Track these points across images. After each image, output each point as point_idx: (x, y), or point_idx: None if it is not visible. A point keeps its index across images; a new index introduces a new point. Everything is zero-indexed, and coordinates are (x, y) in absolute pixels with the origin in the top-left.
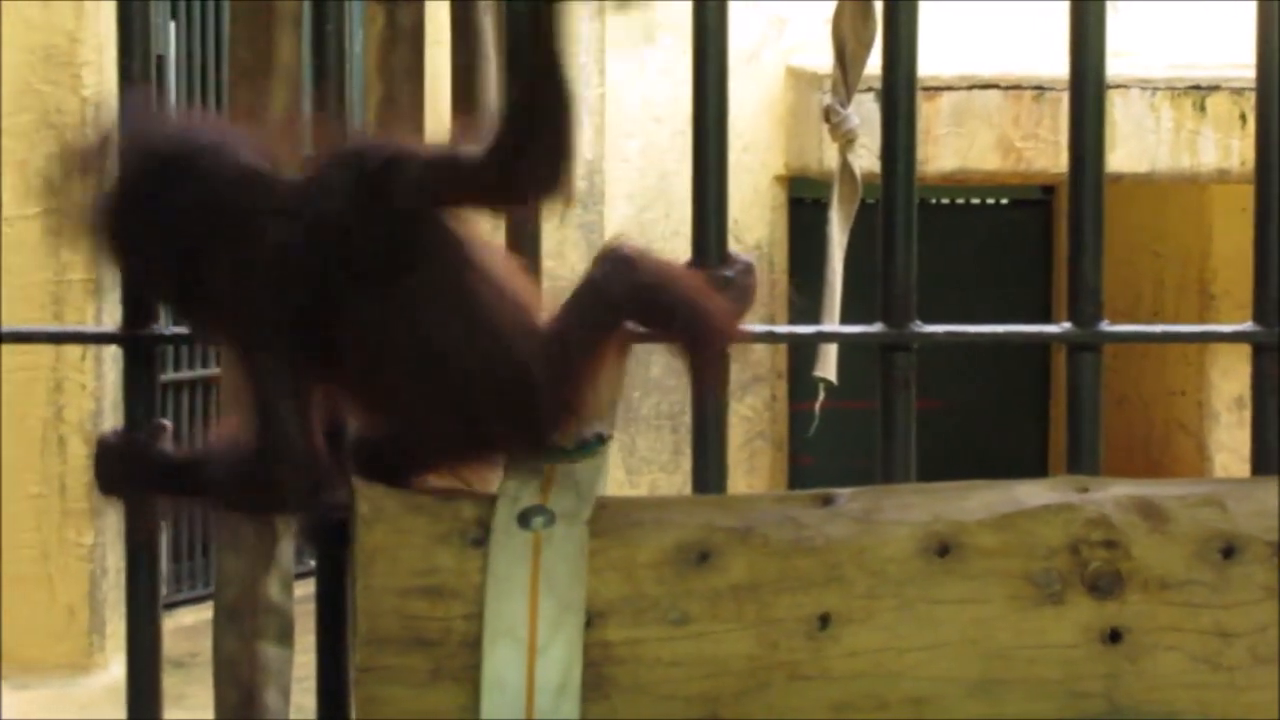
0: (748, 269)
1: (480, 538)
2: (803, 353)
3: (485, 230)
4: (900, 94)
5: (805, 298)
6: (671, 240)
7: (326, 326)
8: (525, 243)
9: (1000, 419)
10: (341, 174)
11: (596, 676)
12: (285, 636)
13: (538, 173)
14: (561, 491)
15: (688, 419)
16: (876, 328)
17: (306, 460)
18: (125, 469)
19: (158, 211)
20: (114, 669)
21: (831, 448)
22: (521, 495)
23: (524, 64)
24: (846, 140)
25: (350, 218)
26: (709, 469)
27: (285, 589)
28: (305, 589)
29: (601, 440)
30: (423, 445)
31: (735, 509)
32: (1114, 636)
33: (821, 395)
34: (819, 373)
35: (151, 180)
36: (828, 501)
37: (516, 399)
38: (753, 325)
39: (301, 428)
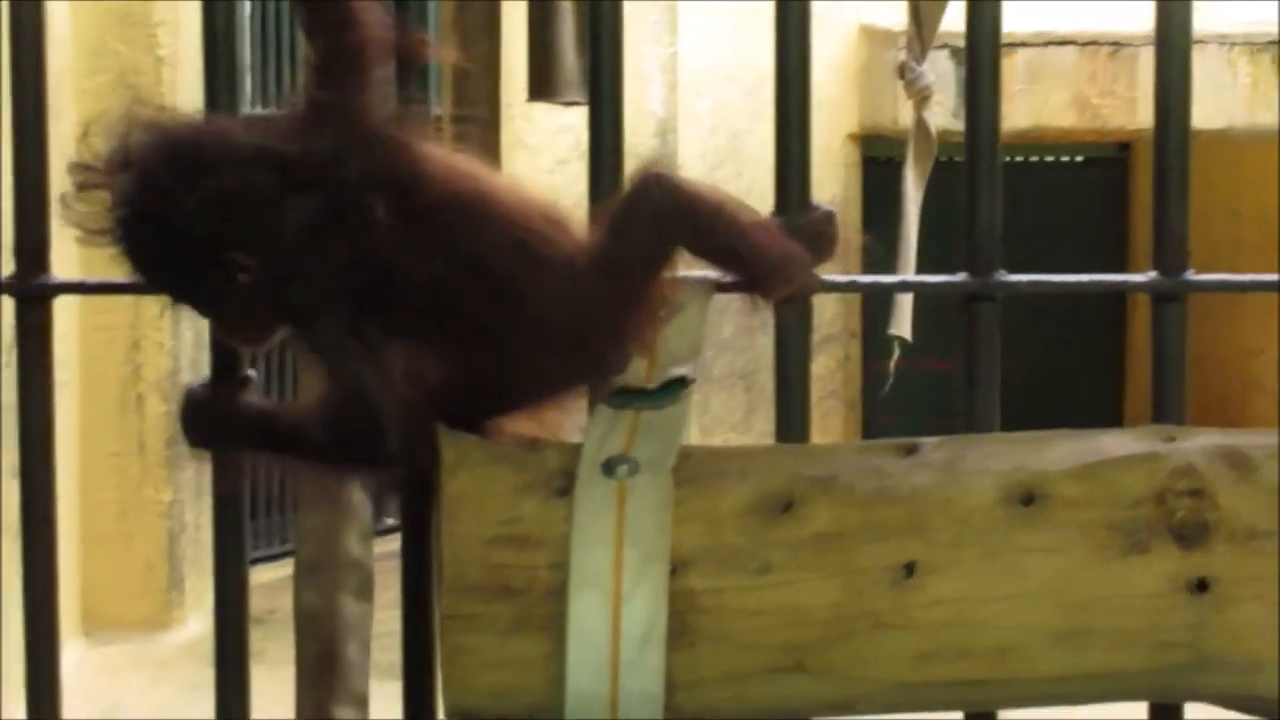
0: (827, 218)
1: (565, 487)
2: (876, 312)
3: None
4: (984, 32)
5: (879, 256)
6: (744, 199)
7: (376, 286)
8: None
9: (1072, 379)
10: (332, 128)
11: (680, 625)
12: (365, 591)
13: None
14: (645, 441)
15: (761, 378)
16: (960, 277)
17: (395, 413)
18: (211, 422)
19: (171, 216)
20: (192, 625)
21: (905, 407)
22: (605, 444)
23: None
24: (921, 97)
25: (354, 168)
26: (791, 420)
27: (364, 544)
28: (383, 547)
29: (685, 383)
30: (489, 388)
31: (818, 459)
32: (1200, 586)
33: (897, 353)
34: (894, 330)
35: (162, 185)
36: (911, 451)
37: (573, 327)
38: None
39: (384, 384)
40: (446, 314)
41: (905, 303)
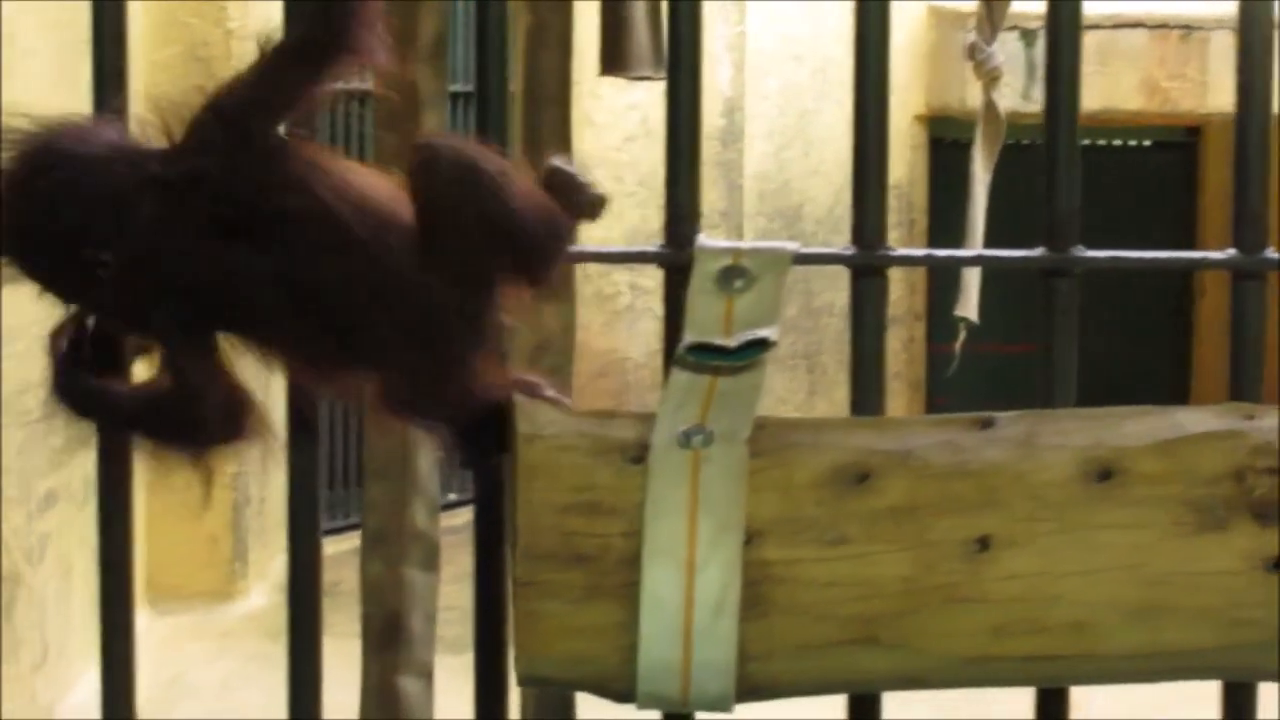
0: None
1: (639, 456)
2: (941, 294)
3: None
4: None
5: (946, 237)
6: (810, 180)
7: (225, 289)
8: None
9: (1138, 360)
10: (202, 128)
11: (754, 595)
12: (430, 562)
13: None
14: (720, 411)
15: (823, 359)
16: (1038, 252)
17: (214, 406)
18: (81, 391)
19: (32, 212)
20: (255, 597)
21: (968, 390)
22: (680, 414)
23: None
24: (991, 78)
25: (215, 166)
26: (865, 394)
27: (431, 515)
28: (446, 521)
29: (765, 344)
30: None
31: (893, 431)
32: (1277, 564)
33: (962, 336)
34: (960, 312)
35: (20, 185)
36: (987, 425)
37: (419, 331)
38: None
39: (208, 378)
40: (285, 321)
41: (972, 285)
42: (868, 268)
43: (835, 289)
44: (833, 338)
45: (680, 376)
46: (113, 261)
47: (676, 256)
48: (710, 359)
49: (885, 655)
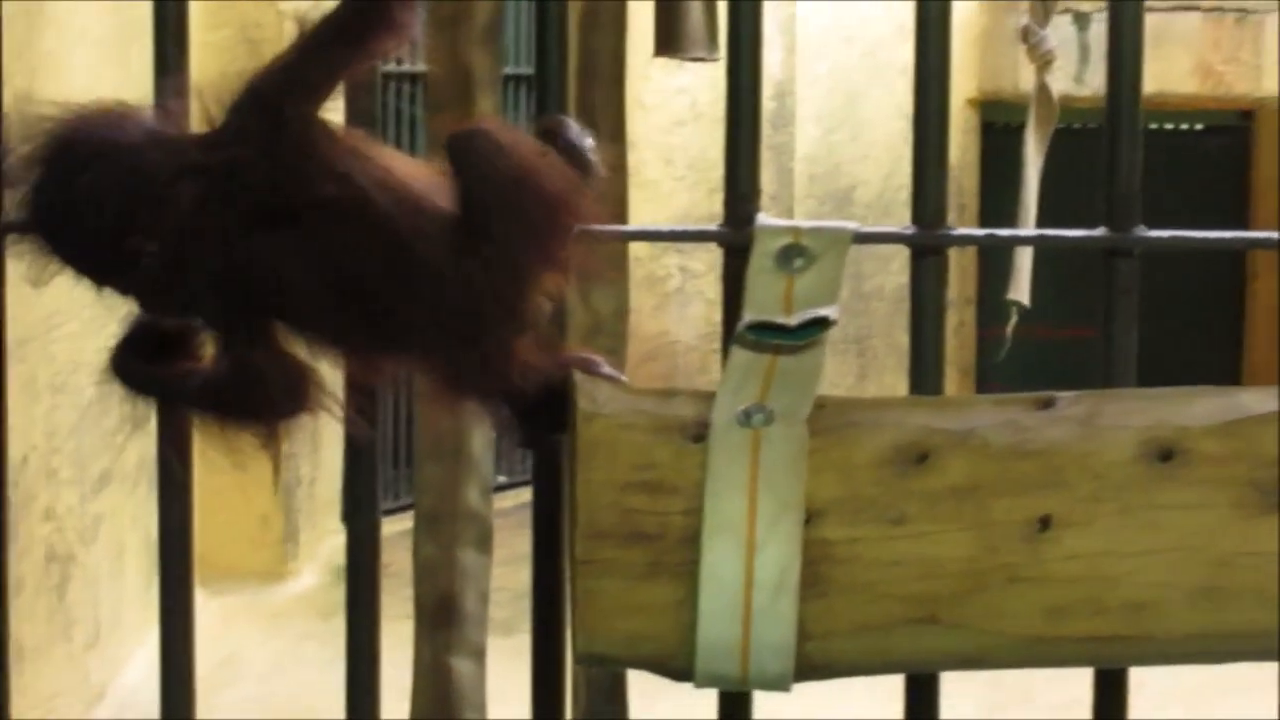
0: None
1: (699, 434)
2: (992, 277)
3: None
4: None
5: (997, 221)
6: (860, 163)
7: (266, 277)
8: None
9: (1191, 342)
10: (240, 113)
11: (814, 575)
12: (484, 543)
13: None
14: (780, 390)
15: (873, 343)
16: (1100, 232)
17: (279, 384)
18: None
19: (70, 202)
20: (306, 577)
21: (1018, 374)
22: (740, 393)
23: None
24: (1044, 62)
25: (252, 153)
26: (926, 373)
27: (484, 496)
28: (498, 503)
29: (825, 323)
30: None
31: (953, 411)
32: None
33: (1014, 319)
34: (1012, 295)
35: (57, 171)
36: (1048, 405)
37: (456, 318)
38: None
39: (267, 360)
40: (325, 309)
41: (1024, 267)
42: (928, 247)
43: (885, 272)
44: (882, 321)
45: (740, 355)
46: (154, 250)
47: (736, 236)
48: (770, 338)
49: (945, 635)
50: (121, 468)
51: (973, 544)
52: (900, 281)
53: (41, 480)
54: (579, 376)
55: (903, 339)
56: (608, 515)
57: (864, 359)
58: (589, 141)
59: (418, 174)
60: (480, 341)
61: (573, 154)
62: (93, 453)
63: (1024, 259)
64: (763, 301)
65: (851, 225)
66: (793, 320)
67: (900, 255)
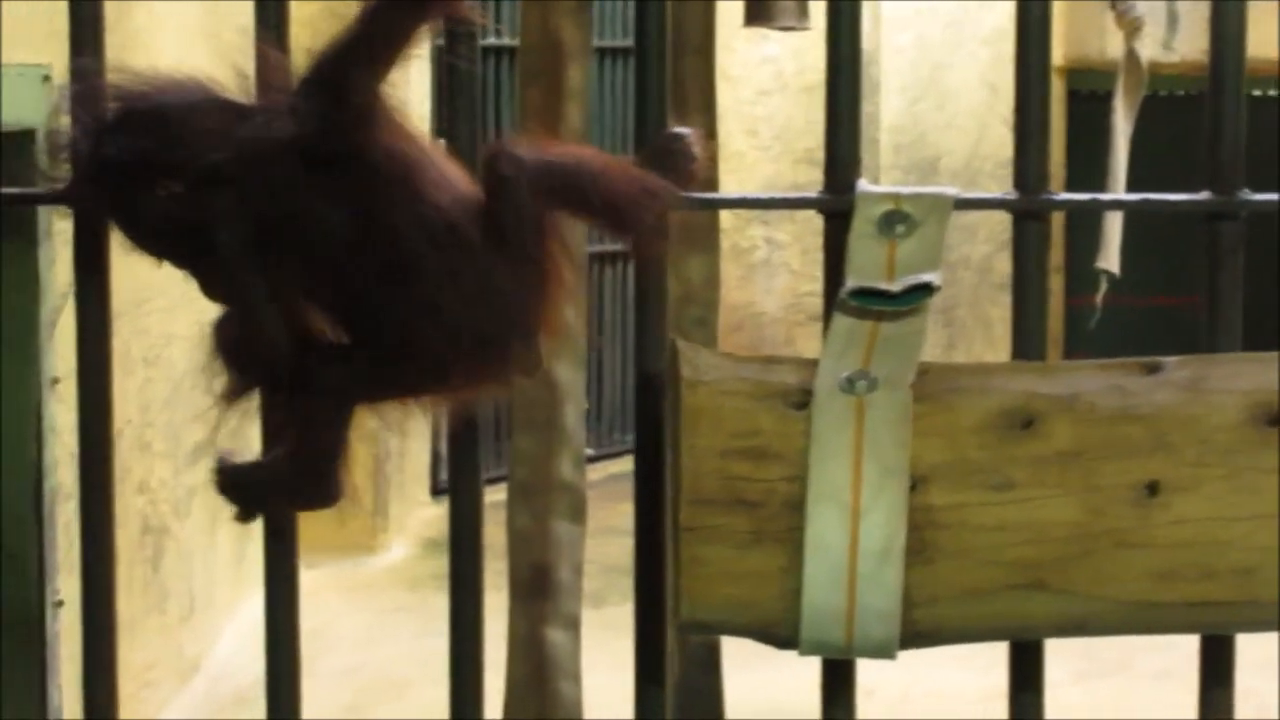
0: (676, 138)
1: (802, 401)
2: (1080, 246)
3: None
4: None
5: (1084, 190)
6: (945, 133)
7: (285, 232)
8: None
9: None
10: (306, 87)
11: (919, 541)
12: (577, 514)
13: None
14: (883, 356)
15: (960, 313)
16: (1203, 196)
17: (282, 335)
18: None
19: (122, 147)
20: (395, 550)
21: (1107, 344)
22: (843, 359)
23: None
24: (1132, 28)
25: (309, 123)
26: (1028, 339)
27: (577, 467)
28: (590, 475)
29: (928, 289)
30: (385, 368)
31: (1058, 376)
32: None
33: (1104, 288)
34: (1101, 264)
35: (114, 118)
36: (1153, 369)
37: (475, 316)
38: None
39: (273, 310)
40: (349, 280)
41: (1113, 236)
42: (1030, 212)
43: (971, 242)
44: (969, 292)
45: (843, 322)
46: (179, 189)
47: (837, 202)
48: (873, 304)
49: (1052, 600)
50: (215, 440)
51: (1079, 509)
52: (985, 252)
53: (136, 453)
54: (681, 345)
55: (989, 310)
56: (711, 482)
57: (951, 329)
58: (687, 141)
59: (453, 168)
60: (493, 331)
61: (669, 156)
62: (185, 426)
63: (1113, 228)
64: (865, 267)
65: (952, 191)
66: (895, 286)
67: (986, 225)
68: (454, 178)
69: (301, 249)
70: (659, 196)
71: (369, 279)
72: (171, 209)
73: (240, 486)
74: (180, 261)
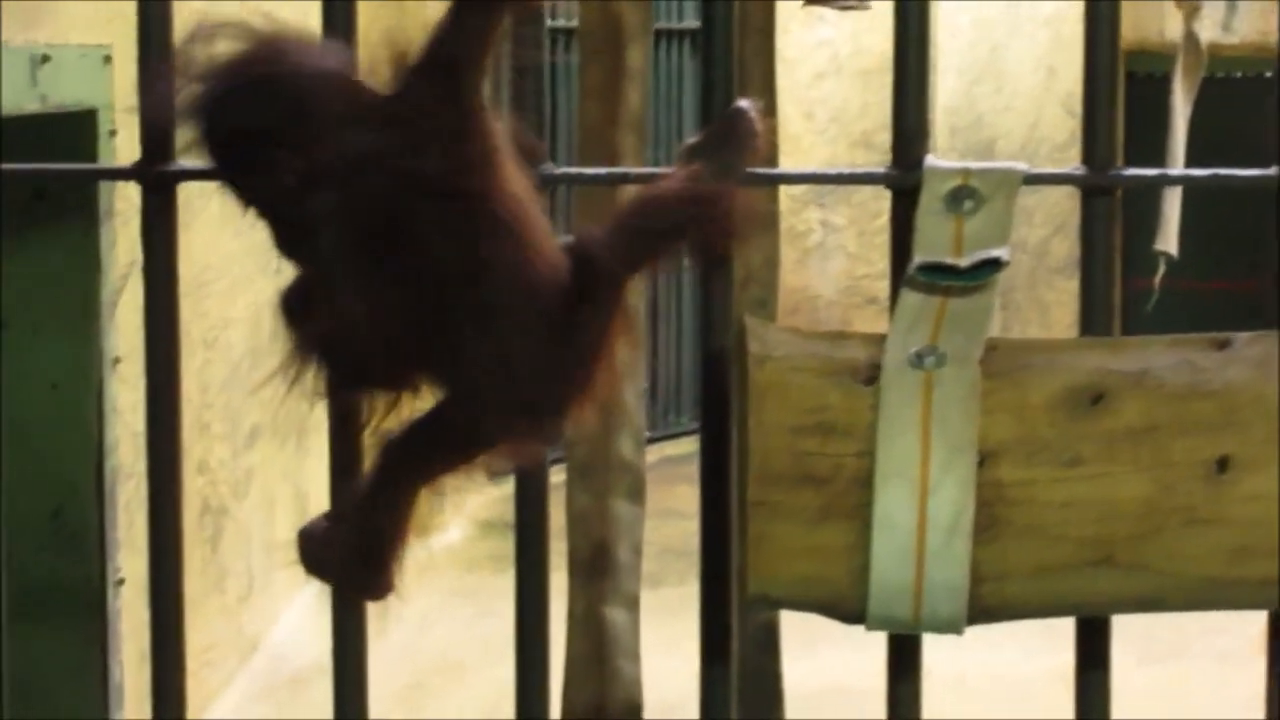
0: (737, 114)
1: (870, 377)
2: (1136, 229)
3: None
4: None
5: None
6: (1002, 115)
7: (400, 268)
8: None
9: None
10: (413, 83)
11: (988, 517)
12: (636, 494)
13: None
14: (952, 332)
15: (1016, 296)
16: (1273, 170)
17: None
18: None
19: (237, 109)
20: (452, 531)
21: (1163, 327)
22: (912, 335)
23: None
24: (1192, 10)
25: (421, 124)
26: (1097, 315)
27: (637, 447)
28: (651, 456)
29: (997, 264)
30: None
31: (1128, 352)
32: None
33: (1162, 270)
34: (1159, 246)
35: (234, 78)
36: (1223, 345)
37: (528, 377)
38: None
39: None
40: (436, 315)
41: (1172, 217)
42: (1099, 188)
43: (1028, 225)
44: (1025, 275)
45: (910, 297)
46: (298, 164)
47: (904, 178)
48: (941, 279)
49: (1122, 577)
50: (273, 421)
51: (1150, 485)
52: (1042, 235)
53: (195, 434)
54: (749, 321)
55: (1045, 294)
56: (780, 458)
57: (1007, 312)
58: (750, 117)
59: (538, 218)
60: (550, 399)
61: (729, 135)
62: (244, 407)
63: (1172, 209)
64: (933, 243)
65: (1021, 166)
66: (964, 261)
67: (1043, 209)
68: (548, 231)
69: (402, 273)
70: (716, 199)
71: (456, 319)
72: (283, 194)
73: (314, 559)
74: (285, 246)
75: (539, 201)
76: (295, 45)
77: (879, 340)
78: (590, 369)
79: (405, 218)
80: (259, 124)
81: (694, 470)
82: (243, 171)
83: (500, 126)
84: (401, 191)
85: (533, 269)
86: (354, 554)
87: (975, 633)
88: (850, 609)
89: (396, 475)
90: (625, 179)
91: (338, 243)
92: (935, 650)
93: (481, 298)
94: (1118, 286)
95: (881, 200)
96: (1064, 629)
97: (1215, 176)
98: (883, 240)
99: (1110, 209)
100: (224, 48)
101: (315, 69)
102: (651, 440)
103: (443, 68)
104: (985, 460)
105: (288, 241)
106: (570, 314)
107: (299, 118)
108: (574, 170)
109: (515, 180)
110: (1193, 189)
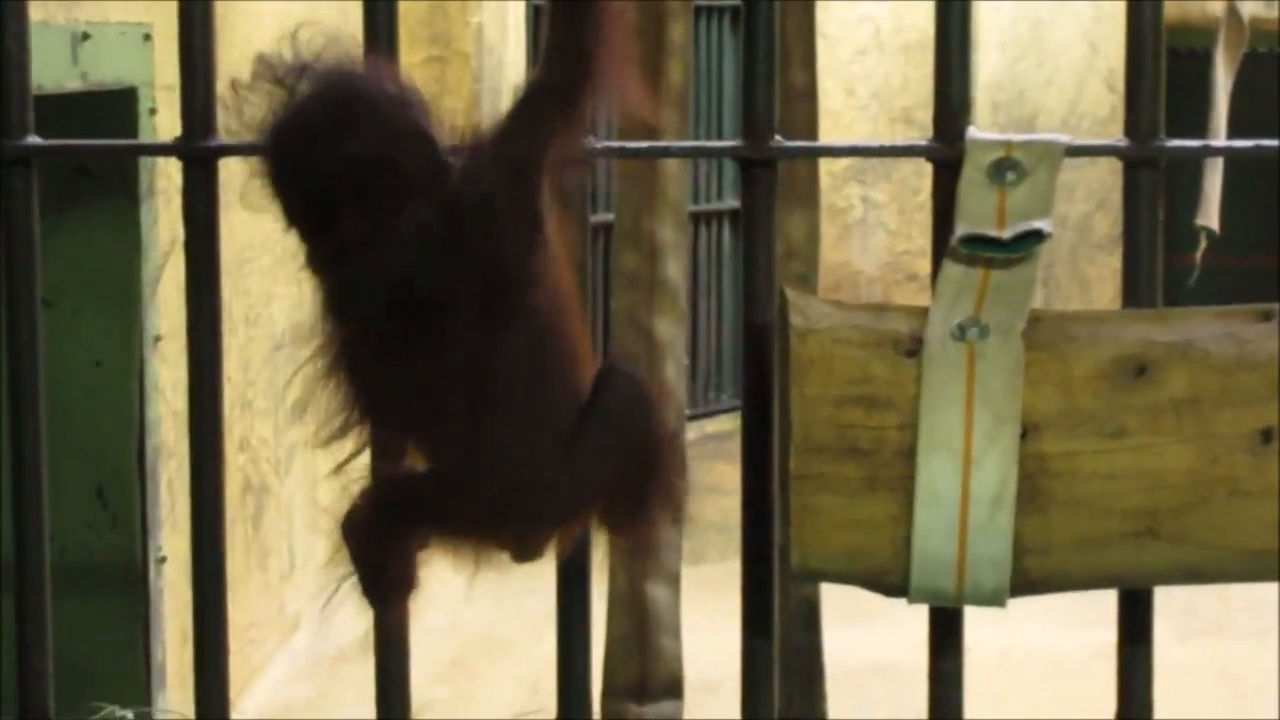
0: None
1: (913, 349)
2: (1177, 203)
3: None
4: None
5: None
6: (1044, 90)
7: (426, 324)
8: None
9: None
10: (485, 165)
11: (1032, 489)
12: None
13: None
14: (995, 304)
15: (1056, 271)
16: None
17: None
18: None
19: (314, 148)
20: None
21: (1206, 303)
22: (954, 308)
23: None
24: None
25: (487, 211)
26: (1140, 286)
27: (678, 422)
28: (691, 433)
29: (1040, 236)
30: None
31: (1172, 324)
32: None
33: (1203, 245)
34: (1201, 221)
35: (321, 114)
36: (1269, 317)
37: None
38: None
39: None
40: (453, 395)
41: (1213, 194)
42: (1142, 159)
43: (1070, 201)
44: (1066, 251)
45: (953, 269)
46: (359, 225)
47: (947, 151)
48: (984, 251)
49: (1166, 549)
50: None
51: (1194, 457)
52: (1083, 211)
53: (237, 412)
54: (791, 293)
55: (1087, 269)
56: (823, 430)
57: (1048, 288)
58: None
59: (580, 338)
60: (532, 498)
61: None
62: (286, 385)
63: (1213, 184)
64: (975, 215)
65: (1064, 138)
66: (1006, 233)
67: (1084, 184)
68: (583, 346)
69: (426, 351)
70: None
71: (466, 410)
72: (337, 249)
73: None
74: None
75: (580, 310)
76: (382, 92)
77: (922, 313)
78: (592, 494)
79: (446, 299)
80: (334, 177)
81: (734, 447)
82: (304, 216)
83: (554, 223)
84: (451, 275)
85: (554, 388)
86: (367, 586)
87: (1017, 610)
88: (893, 582)
89: (391, 526)
90: (667, 152)
91: (375, 305)
92: (977, 628)
93: (494, 399)
94: (1160, 259)
95: (922, 177)
96: (1105, 606)
97: (1259, 147)
98: (923, 217)
99: (1153, 181)
100: (309, 77)
101: (400, 127)
102: (691, 418)
103: (515, 160)
104: (1029, 432)
105: (333, 296)
106: (578, 437)
107: (375, 179)
108: (616, 143)
109: (562, 288)
110: (1233, 165)
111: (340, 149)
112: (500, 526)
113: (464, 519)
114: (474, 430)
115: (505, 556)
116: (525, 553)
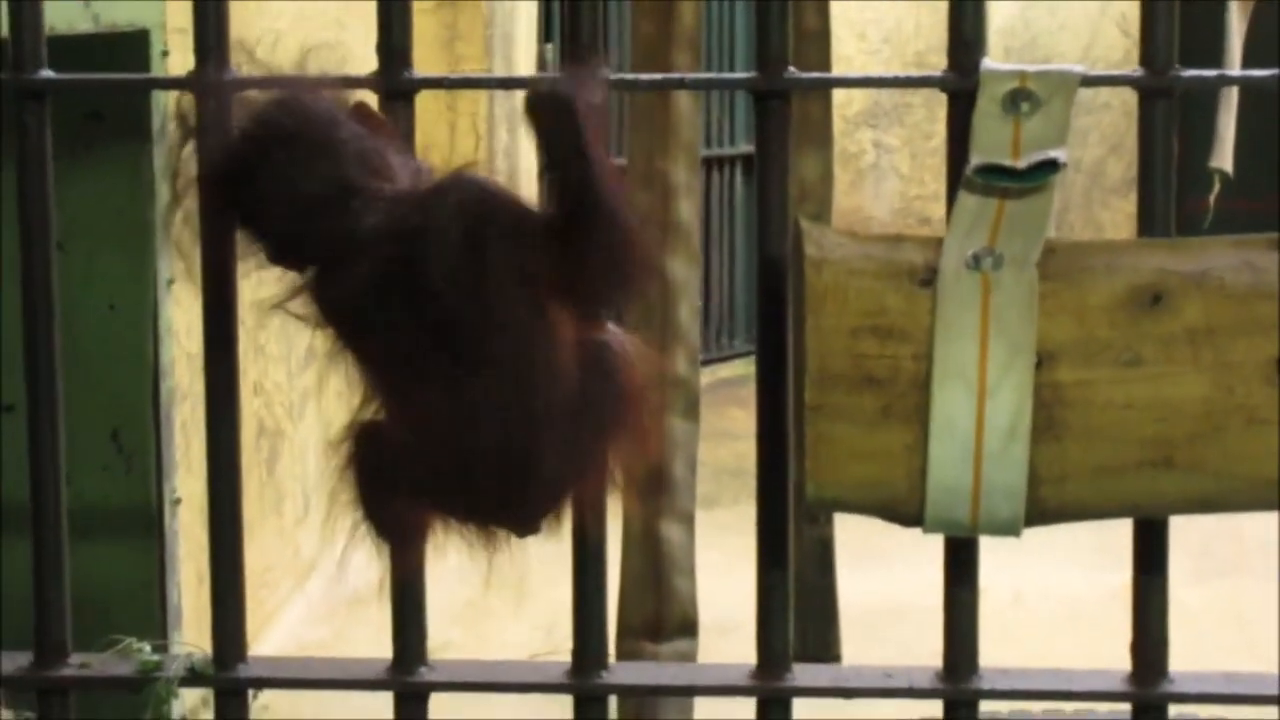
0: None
1: (928, 279)
2: (1191, 146)
3: None
4: None
5: (1196, 97)
6: (1057, 35)
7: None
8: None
9: None
10: (443, 207)
11: (1047, 418)
12: (691, 411)
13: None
14: (1009, 234)
15: (1069, 216)
16: None
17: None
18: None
19: (262, 174)
20: None
21: None
22: (969, 238)
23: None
24: None
25: (446, 254)
26: (1156, 216)
27: (691, 364)
28: (704, 378)
29: (1055, 166)
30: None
31: (1189, 253)
32: None
33: (1216, 188)
34: (1214, 164)
35: (268, 140)
36: None
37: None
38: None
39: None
40: (426, 409)
41: (1227, 135)
42: (1157, 90)
43: (1083, 146)
44: (1080, 195)
45: (968, 200)
46: (318, 256)
47: (961, 82)
48: (999, 181)
49: (1181, 478)
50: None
51: (1209, 386)
52: (1096, 155)
53: (250, 356)
54: (806, 224)
55: (1100, 213)
56: (838, 361)
57: (1061, 232)
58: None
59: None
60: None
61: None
62: (299, 329)
63: (1227, 126)
64: (990, 146)
65: (1079, 68)
66: (1021, 163)
67: (1098, 129)
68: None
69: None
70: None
71: (452, 379)
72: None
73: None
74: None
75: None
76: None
77: (936, 243)
78: (577, 467)
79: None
80: (279, 196)
81: (747, 393)
82: (261, 232)
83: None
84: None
85: (554, 378)
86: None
87: (1032, 551)
88: (908, 512)
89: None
90: (681, 84)
91: (368, 295)
92: (992, 570)
93: (474, 374)
94: (1174, 190)
95: (934, 122)
96: (1120, 549)
97: (1276, 77)
98: (935, 162)
99: (1168, 112)
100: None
101: (333, 143)
102: (704, 363)
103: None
104: (1044, 362)
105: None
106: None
107: (318, 203)
108: (630, 75)
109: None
110: (1245, 109)
111: (281, 170)
112: (490, 506)
113: (453, 499)
114: (453, 403)
115: (507, 534)
116: (523, 529)
